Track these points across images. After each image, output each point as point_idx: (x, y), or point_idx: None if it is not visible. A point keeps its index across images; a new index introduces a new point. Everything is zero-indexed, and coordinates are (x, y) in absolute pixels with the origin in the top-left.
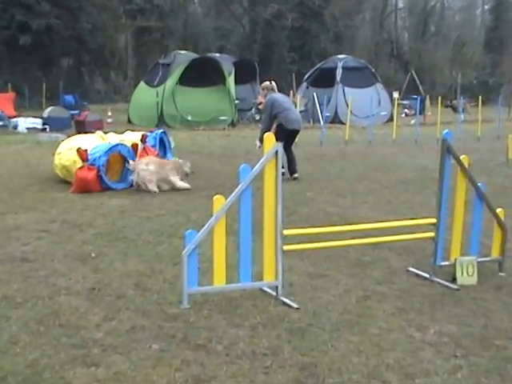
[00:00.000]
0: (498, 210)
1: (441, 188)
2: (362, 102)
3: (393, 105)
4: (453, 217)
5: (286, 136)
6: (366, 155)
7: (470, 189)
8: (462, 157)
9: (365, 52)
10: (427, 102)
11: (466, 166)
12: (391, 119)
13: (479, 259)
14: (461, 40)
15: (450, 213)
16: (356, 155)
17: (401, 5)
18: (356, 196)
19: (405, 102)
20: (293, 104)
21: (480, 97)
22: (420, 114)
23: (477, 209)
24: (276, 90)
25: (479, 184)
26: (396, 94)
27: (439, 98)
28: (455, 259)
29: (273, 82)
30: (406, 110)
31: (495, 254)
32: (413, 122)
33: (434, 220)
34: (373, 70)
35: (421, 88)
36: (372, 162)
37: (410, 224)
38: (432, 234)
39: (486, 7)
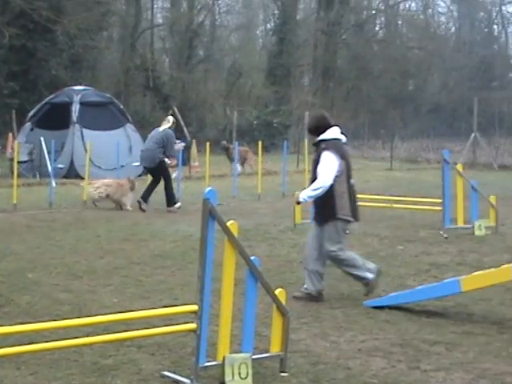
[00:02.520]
0: (278, 291)
1: (203, 263)
2: (107, 149)
3: None
4: (220, 301)
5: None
6: (111, 221)
7: (243, 264)
8: (229, 222)
9: (111, 82)
10: (194, 148)
11: (235, 233)
12: None
13: (254, 356)
14: (237, 68)
15: (219, 296)
16: (98, 221)
17: (159, 20)
18: (95, 277)
19: None
20: (156, 139)
21: (261, 142)
22: (184, 164)
23: (250, 290)
24: (164, 124)
25: (252, 258)
26: None
27: (207, 144)
28: (223, 358)
29: (169, 117)
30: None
31: (275, 348)
32: (174, 175)
33: (195, 307)
34: (121, 107)
35: (185, 130)
36: (119, 230)
37: (165, 313)
38: (194, 326)
39: (269, 26)
